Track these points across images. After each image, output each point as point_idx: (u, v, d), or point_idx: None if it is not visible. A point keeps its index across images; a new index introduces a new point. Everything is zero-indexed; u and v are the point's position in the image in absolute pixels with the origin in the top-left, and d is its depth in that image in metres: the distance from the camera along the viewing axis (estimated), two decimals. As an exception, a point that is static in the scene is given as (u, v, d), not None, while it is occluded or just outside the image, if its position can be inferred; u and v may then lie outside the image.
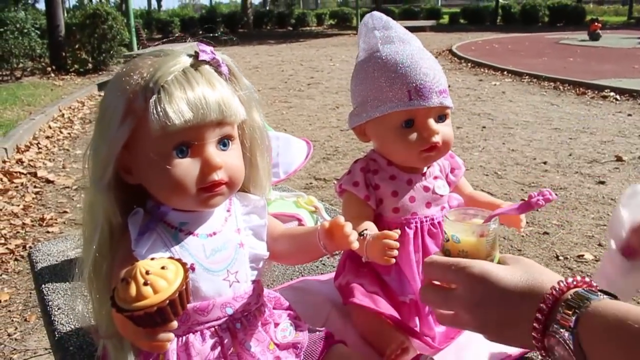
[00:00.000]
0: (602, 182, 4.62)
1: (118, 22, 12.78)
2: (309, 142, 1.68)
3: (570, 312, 0.68)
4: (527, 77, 10.21)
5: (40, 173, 5.26)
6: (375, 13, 1.22)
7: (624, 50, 13.41)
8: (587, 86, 8.89)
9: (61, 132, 7.18)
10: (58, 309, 1.39)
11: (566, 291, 0.72)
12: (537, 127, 6.66)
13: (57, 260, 1.67)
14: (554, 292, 0.72)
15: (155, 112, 0.83)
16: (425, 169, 1.22)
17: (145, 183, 0.91)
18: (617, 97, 8.18)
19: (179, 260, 0.78)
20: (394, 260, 0.99)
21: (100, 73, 12.52)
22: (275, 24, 28.80)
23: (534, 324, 0.72)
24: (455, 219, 0.90)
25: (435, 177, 1.23)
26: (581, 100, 8.25)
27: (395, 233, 0.98)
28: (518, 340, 0.78)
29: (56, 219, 4.17)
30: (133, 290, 0.71)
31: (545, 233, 3.72)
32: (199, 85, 0.87)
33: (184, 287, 0.74)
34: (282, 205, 1.63)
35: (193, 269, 0.90)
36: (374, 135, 1.20)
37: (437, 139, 1.13)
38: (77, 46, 12.79)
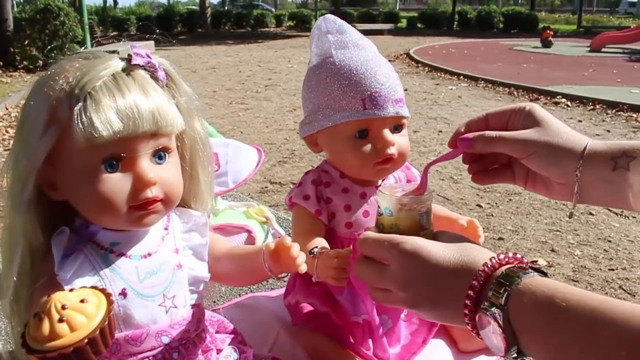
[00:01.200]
0: (555, 188, 4.69)
1: (71, 18, 12.33)
2: (259, 150, 1.61)
3: (501, 290, 0.67)
4: (482, 82, 10.35)
5: (-19, 175, 4.99)
6: (329, 16, 1.16)
7: (575, 58, 13.78)
8: (540, 92, 9.07)
9: (7, 132, 6.84)
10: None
11: (498, 268, 0.70)
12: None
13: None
14: (486, 269, 0.70)
15: (80, 121, 0.75)
16: (379, 181, 1.16)
17: (72, 200, 0.83)
18: (569, 103, 8.37)
19: (102, 290, 0.70)
20: (345, 282, 0.93)
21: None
22: (233, 24, 28.50)
23: (466, 301, 0.70)
24: (389, 193, 0.87)
25: (390, 191, 1.17)
26: (534, 105, 8.41)
27: (348, 251, 0.92)
28: (450, 318, 0.76)
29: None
30: (46, 327, 0.62)
31: (500, 239, 3.73)
32: (130, 92, 0.79)
33: (106, 323, 0.65)
34: (231, 216, 1.56)
35: (125, 295, 0.82)
36: (326, 145, 1.14)
37: (392, 150, 1.07)
38: (26, 42, 12.27)
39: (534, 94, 8.97)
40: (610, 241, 3.54)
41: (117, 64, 0.81)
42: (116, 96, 0.77)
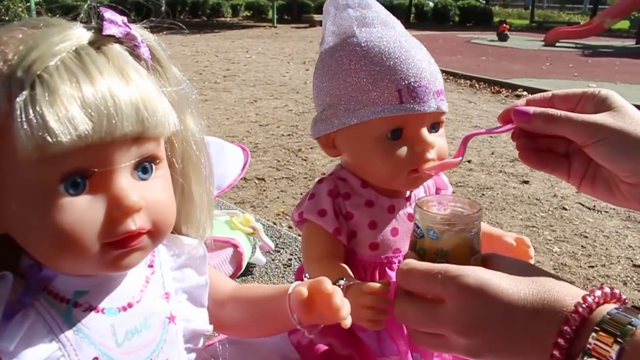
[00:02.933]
0: (526, 182, 4.62)
1: (16, 3, 11.71)
2: (245, 149, 1.37)
3: (610, 341, 0.55)
4: (444, 74, 10.21)
5: None
6: (348, -15, 0.92)
7: (531, 52, 13.99)
8: (502, 85, 9.17)
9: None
10: None
11: (595, 308, 0.58)
12: (457, 125, 6.68)
13: None
14: (581, 309, 0.57)
15: (25, 120, 0.50)
16: (408, 191, 0.95)
17: (15, 234, 0.57)
18: (530, 96, 8.45)
19: None
20: (384, 324, 0.72)
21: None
22: (189, 13, 27.80)
23: (553, 352, 0.57)
24: (428, 208, 0.71)
25: (421, 202, 0.95)
26: (497, 98, 8.43)
27: (385, 285, 0.72)
28: None
29: None
30: None
31: (477, 236, 3.61)
32: (102, 75, 0.54)
33: None
34: (214, 228, 1.31)
35: None
36: (348, 147, 0.91)
37: (432, 154, 0.86)
38: (-34, 27, 11.59)
39: (496, 87, 9.01)
40: (586, 237, 3.50)
41: (80, 35, 0.56)
42: (81, 81, 0.52)
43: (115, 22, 0.57)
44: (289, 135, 5.74)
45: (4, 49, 0.54)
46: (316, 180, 0.96)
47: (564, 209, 3.98)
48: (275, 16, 23.12)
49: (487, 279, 0.63)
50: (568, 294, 0.60)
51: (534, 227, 3.73)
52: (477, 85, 9.33)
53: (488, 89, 9.04)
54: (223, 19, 27.65)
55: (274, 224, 2.40)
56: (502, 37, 16.73)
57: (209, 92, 8.54)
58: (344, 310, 0.61)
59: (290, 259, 1.81)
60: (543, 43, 15.79)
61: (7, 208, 0.55)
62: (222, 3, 29.36)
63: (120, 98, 0.53)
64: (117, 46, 0.58)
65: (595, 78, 9.49)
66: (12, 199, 0.54)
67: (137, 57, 0.60)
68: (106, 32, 0.57)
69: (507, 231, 0.96)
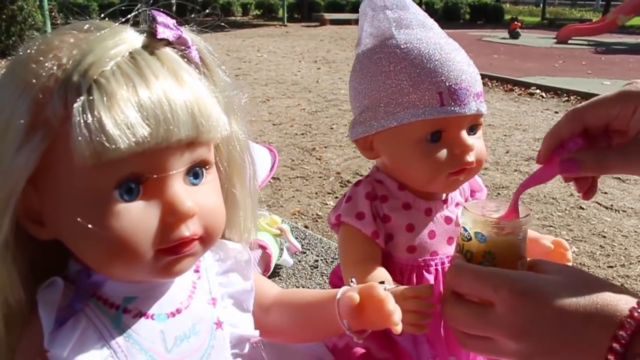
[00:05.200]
0: (542, 181, 4.59)
1: (29, 3, 11.80)
2: (272, 150, 1.36)
3: None
4: (455, 73, 10.31)
5: None
6: (385, -14, 0.91)
7: (543, 50, 13.87)
8: (515, 83, 9.09)
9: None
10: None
11: None
12: (471, 124, 6.65)
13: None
14: (636, 314, 0.56)
15: (83, 125, 0.49)
16: (444, 194, 0.94)
17: (67, 240, 0.57)
18: (543, 94, 8.38)
19: None
20: (428, 329, 0.71)
21: (9, 59, 11.45)
22: (199, 12, 27.93)
23: (608, 356, 0.56)
24: (477, 211, 0.71)
25: (457, 204, 0.95)
26: (510, 96, 8.38)
27: (428, 288, 0.71)
28: None
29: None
30: None
31: (493, 236, 3.59)
32: (158, 79, 0.53)
33: None
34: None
35: None
36: (386, 150, 0.90)
37: (471, 157, 0.85)
38: (-19, 28, 11.68)
39: (509, 85, 8.95)
40: (604, 236, 3.46)
41: (134, 39, 0.55)
42: (137, 85, 0.51)
43: (167, 26, 0.57)
44: (302, 134, 5.73)
45: (57, 54, 0.53)
46: (353, 183, 0.95)
47: (581, 208, 3.95)
48: (286, 15, 23.10)
49: (539, 284, 0.63)
50: (621, 299, 0.59)
51: (550, 226, 3.69)
52: (489, 83, 9.27)
53: (501, 87, 8.98)
54: (233, 17, 27.70)
55: (296, 224, 2.40)
56: (514, 35, 16.59)
57: (221, 91, 8.57)
58: (396, 315, 0.61)
59: (316, 260, 1.81)
60: (555, 40, 15.64)
61: (59, 215, 0.55)
62: (233, 2, 29.42)
63: (175, 102, 0.53)
64: (169, 49, 0.58)
65: (609, 76, 9.39)
66: (66, 205, 0.54)
67: (188, 60, 0.59)
68: (160, 35, 0.56)
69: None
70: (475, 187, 1.02)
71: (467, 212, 0.72)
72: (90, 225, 0.52)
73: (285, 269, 1.68)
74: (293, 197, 3.99)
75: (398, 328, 0.62)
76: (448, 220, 0.92)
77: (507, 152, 5.39)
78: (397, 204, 0.91)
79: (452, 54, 0.84)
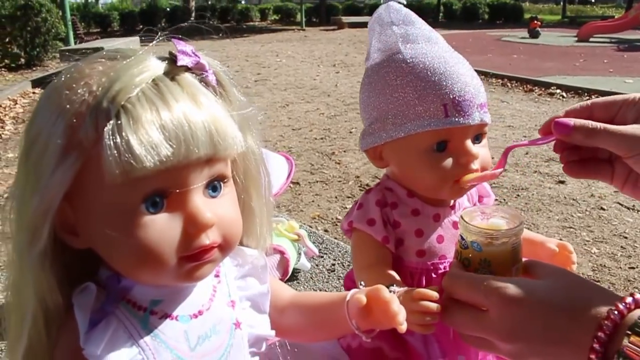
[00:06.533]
0: (562, 182, 4.56)
1: (53, 15, 12.03)
2: (289, 158, 1.41)
3: None
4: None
5: (-37, 179, 4.72)
6: (392, 4, 0.95)
7: (563, 48, 13.72)
8: (534, 83, 9.00)
9: (-9, 136, 6.58)
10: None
11: (626, 314, 0.61)
12: (491, 125, 6.53)
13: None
14: (613, 316, 0.61)
15: (112, 147, 0.55)
16: (452, 200, 0.98)
17: (99, 249, 0.62)
18: (564, 94, 8.30)
19: None
20: (434, 329, 0.75)
21: (34, 69, 11.68)
22: (218, 18, 28.18)
23: (590, 355, 0.61)
24: (471, 220, 0.75)
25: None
26: (529, 97, 8.31)
27: (435, 291, 0.75)
28: None
29: (-18, 234, 3.70)
30: None
31: (513, 238, 3.58)
32: (178, 102, 0.58)
33: None
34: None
35: None
36: (395, 160, 0.95)
37: (476, 165, 0.89)
38: (7, 40, 11.92)
39: (529, 85, 8.88)
40: (626, 237, 3.44)
41: (156, 66, 0.61)
42: (160, 109, 0.57)
43: (186, 53, 0.62)
44: (322, 138, 5.77)
45: (88, 81, 0.59)
46: (364, 191, 1.00)
47: (602, 209, 3.92)
48: (304, 19, 23.19)
49: (527, 290, 0.67)
50: (602, 301, 0.63)
51: (571, 227, 3.67)
52: (509, 84, 9.21)
53: (520, 88, 8.91)
54: (252, 23, 27.89)
55: (310, 226, 2.45)
56: (534, 34, 16.43)
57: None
58: (401, 316, 0.65)
59: (333, 264, 1.85)
60: (576, 39, 15.44)
61: (92, 227, 0.61)
62: (251, 7, 29.63)
63: (194, 123, 0.58)
64: (187, 75, 0.63)
65: (632, 74, 9.24)
66: (98, 218, 0.59)
67: (205, 83, 0.65)
68: (180, 62, 0.62)
69: (544, 232, 0.99)
70: (483, 192, 1.06)
71: (462, 222, 0.76)
72: (119, 236, 0.58)
73: (303, 273, 1.73)
74: (313, 201, 4.04)
75: (403, 327, 0.66)
76: (456, 225, 0.96)
77: (527, 154, 5.37)
78: (406, 211, 0.95)
79: (456, 67, 0.89)
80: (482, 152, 0.91)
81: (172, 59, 0.62)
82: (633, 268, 3.11)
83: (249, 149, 0.71)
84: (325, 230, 3.01)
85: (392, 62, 0.91)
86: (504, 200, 4.11)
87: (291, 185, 4.40)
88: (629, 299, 0.62)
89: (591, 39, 15.14)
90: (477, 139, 0.92)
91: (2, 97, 8.64)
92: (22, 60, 11.93)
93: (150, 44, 0.64)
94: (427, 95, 0.87)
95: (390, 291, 0.77)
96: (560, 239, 3.43)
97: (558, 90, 8.45)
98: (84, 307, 0.60)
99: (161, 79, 0.60)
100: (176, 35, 0.65)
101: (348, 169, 4.70)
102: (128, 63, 0.60)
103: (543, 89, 8.62)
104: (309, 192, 4.24)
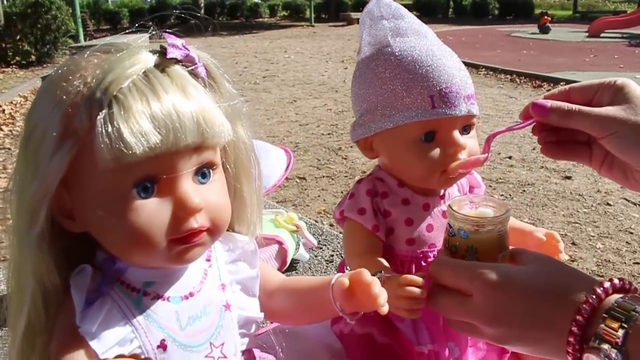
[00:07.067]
0: (569, 177, 4.55)
1: (63, 12, 12.15)
2: (288, 151, 1.44)
3: (616, 326, 0.60)
4: (483, 69, 10.21)
5: (-24, 175, 4.80)
6: (382, -2, 0.98)
7: (574, 44, 13.62)
8: (543, 79, 8.95)
9: (1, 130, 6.66)
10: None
11: (604, 298, 0.63)
12: (498, 121, 6.59)
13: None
14: (591, 300, 0.63)
15: (104, 134, 0.58)
16: (442, 190, 1.00)
17: (94, 232, 0.66)
18: (548, 91, 8.26)
19: None
20: (420, 314, 0.78)
21: (44, 65, 11.80)
22: (227, 15, 28.23)
23: (569, 338, 0.63)
24: (459, 209, 0.78)
25: (455, 199, 1.01)
26: (538, 93, 8.27)
27: (421, 277, 0.77)
28: (548, 354, 0.68)
29: (-6, 227, 3.76)
30: None
31: (518, 232, 3.59)
32: (167, 93, 0.62)
33: None
34: (259, 226, 1.39)
35: (164, 347, 0.66)
36: (384, 150, 0.97)
37: (463, 155, 0.91)
38: (18, 37, 12.04)
39: (537, 81, 8.84)
40: (631, 233, 3.43)
41: (147, 59, 0.64)
42: (150, 100, 0.60)
43: (176, 46, 0.65)
44: (329, 134, 5.79)
45: (83, 73, 0.62)
46: (356, 180, 1.02)
47: (608, 204, 3.91)
48: (313, 15, 23.19)
49: (510, 275, 0.69)
50: (581, 286, 0.66)
51: (576, 223, 3.67)
52: (517, 80, 9.17)
53: (529, 84, 8.87)
54: (261, 19, 27.92)
55: (316, 221, 2.48)
56: (544, 30, 16.31)
57: (249, 93, 8.67)
58: (381, 298, 0.68)
59: (332, 255, 1.89)
60: (587, 34, 15.31)
61: (87, 211, 0.64)
62: (260, 4, 29.64)
63: (183, 113, 0.61)
64: (178, 67, 0.66)
65: (642, 69, 9.18)
66: (92, 202, 0.63)
67: (195, 75, 0.68)
68: (170, 55, 0.65)
69: (549, 227, 1.01)
70: (474, 183, 1.08)
71: (450, 211, 0.78)
72: (112, 219, 0.61)
73: (302, 263, 1.76)
74: (319, 196, 4.06)
75: (384, 309, 0.69)
76: (445, 214, 0.98)
77: (534, 149, 5.35)
78: (396, 200, 0.97)
79: (443, 60, 0.91)
80: (469, 142, 0.93)
81: (162, 52, 0.65)
82: (638, 263, 3.11)
83: (239, 138, 0.74)
84: (331, 225, 3.04)
85: (382, 55, 0.94)
86: (510, 195, 4.12)
87: (297, 180, 4.43)
88: (607, 284, 0.64)
89: (602, 35, 14.99)
90: (465, 129, 0.94)
91: (13, 94, 8.74)
92: (33, 57, 12.05)
93: (142, 38, 0.67)
94: (414, 87, 0.89)
95: (378, 277, 0.80)
96: (565, 234, 3.42)
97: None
98: (79, 287, 0.64)
99: (152, 71, 0.63)
100: (167, 30, 0.68)
101: (354, 164, 4.72)
102: (121, 56, 0.63)
103: (552, 85, 8.56)
104: (315, 187, 4.26)
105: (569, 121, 0.76)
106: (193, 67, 0.67)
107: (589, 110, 0.75)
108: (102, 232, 0.65)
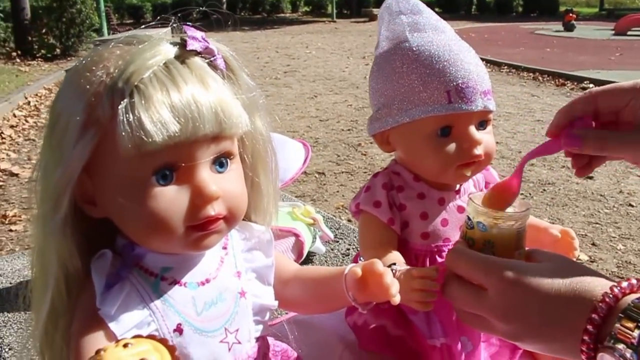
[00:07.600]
0: (590, 177, 4.49)
1: (87, 6, 12.37)
2: (306, 144, 1.46)
3: (632, 326, 0.59)
4: (505, 67, 10.11)
5: (3, 165, 4.90)
6: (401, -7, 0.99)
7: (599, 42, 13.41)
8: (567, 77, 8.82)
9: (27, 121, 6.79)
10: (9, 349, 1.14)
11: (621, 298, 0.62)
12: (519, 119, 6.54)
13: (10, 283, 1.42)
14: (607, 299, 0.62)
15: (126, 123, 0.60)
16: (458, 185, 1.01)
17: (114, 218, 0.68)
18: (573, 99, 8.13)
19: (163, 341, 0.55)
20: (432, 306, 0.79)
21: (69, 59, 12.00)
22: (249, 10, 28.34)
23: (584, 337, 0.62)
24: (481, 202, 0.77)
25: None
26: (561, 91, 8.17)
27: (434, 270, 0.78)
28: (562, 352, 0.68)
29: (20, 216, 3.84)
30: None
31: (538, 232, 3.56)
32: (187, 84, 0.63)
33: None
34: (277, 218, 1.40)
35: (180, 331, 0.68)
36: (401, 144, 0.98)
37: (479, 151, 0.92)
38: (44, 30, 12.26)
39: (560, 79, 8.73)
40: (653, 234, 3.38)
41: (168, 50, 0.66)
42: (170, 90, 0.62)
43: (196, 38, 0.67)
44: (348, 130, 5.80)
45: (105, 64, 0.65)
46: (372, 174, 1.03)
47: (631, 205, 3.86)
48: (335, 11, 23.16)
49: (525, 272, 0.68)
50: (598, 285, 0.65)
51: (597, 223, 3.63)
52: (540, 78, 9.06)
53: (552, 82, 8.76)
54: (283, 14, 27.98)
55: (333, 216, 2.49)
56: (569, 27, 16.08)
57: (269, 88, 8.71)
58: (393, 288, 0.69)
59: (348, 249, 1.90)
60: (613, 32, 15.05)
61: (108, 197, 0.66)
62: (282, -1, 29.72)
63: (201, 103, 0.63)
64: (197, 59, 0.68)
65: (669, 68, 9.00)
66: (113, 189, 0.65)
67: (214, 67, 0.70)
68: (189, 47, 0.67)
69: (568, 227, 1.00)
70: (490, 179, 1.08)
71: (471, 203, 0.78)
72: (132, 205, 0.63)
73: (318, 256, 1.78)
74: (338, 191, 4.08)
75: (396, 299, 0.70)
76: (460, 209, 0.99)
77: (555, 148, 5.30)
78: (412, 194, 0.98)
79: (461, 55, 0.91)
80: (486, 138, 0.94)
81: (183, 44, 0.67)
82: (659, 265, 3.07)
83: (256, 129, 0.75)
84: (349, 220, 3.04)
85: (399, 50, 0.95)
86: (530, 194, 4.09)
87: (317, 175, 4.45)
88: (625, 284, 0.64)
89: (629, 32, 14.72)
90: (481, 125, 0.94)
91: (38, 87, 8.91)
92: (58, 50, 12.26)
93: (164, 31, 0.69)
94: (431, 81, 0.90)
95: (392, 269, 0.81)
96: (585, 235, 3.39)
97: (591, 85, 8.26)
98: (100, 271, 0.66)
99: (172, 62, 0.65)
100: (187, 23, 0.70)
101: (374, 160, 4.72)
102: (142, 47, 0.65)
103: (575, 84, 8.45)
104: (334, 182, 4.28)
105: (607, 149, 0.74)
106: (212, 59, 0.69)
107: (625, 137, 0.72)
108: (122, 218, 0.67)
